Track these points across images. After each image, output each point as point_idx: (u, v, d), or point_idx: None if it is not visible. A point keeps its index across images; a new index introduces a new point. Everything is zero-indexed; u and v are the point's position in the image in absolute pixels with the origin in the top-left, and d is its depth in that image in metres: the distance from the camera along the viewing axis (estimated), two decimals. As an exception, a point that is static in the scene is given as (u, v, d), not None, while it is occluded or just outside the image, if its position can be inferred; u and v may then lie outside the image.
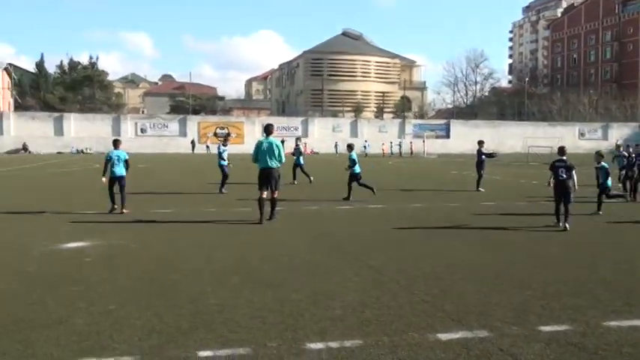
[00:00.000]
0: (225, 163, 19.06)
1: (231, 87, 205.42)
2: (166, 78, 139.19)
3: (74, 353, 4.68)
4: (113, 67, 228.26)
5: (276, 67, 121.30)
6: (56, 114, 70.15)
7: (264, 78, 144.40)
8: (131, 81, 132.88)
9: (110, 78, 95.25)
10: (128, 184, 13.93)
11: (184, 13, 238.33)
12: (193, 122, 72.05)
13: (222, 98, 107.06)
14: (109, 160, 13.86)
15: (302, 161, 23.13)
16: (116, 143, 14.37)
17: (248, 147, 61.95)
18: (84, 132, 67.01)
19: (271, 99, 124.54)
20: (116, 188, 13.68)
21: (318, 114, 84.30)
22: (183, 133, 70.88)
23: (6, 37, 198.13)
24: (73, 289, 6.65)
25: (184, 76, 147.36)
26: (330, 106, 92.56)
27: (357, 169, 16.67)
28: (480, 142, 20.66)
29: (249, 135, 68.66)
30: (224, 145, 19.81)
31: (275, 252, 8.87)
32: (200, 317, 5.59)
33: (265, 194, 11.86)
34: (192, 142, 68.11)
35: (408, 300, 6.21)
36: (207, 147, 66.24)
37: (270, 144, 11.74)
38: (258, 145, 11.78)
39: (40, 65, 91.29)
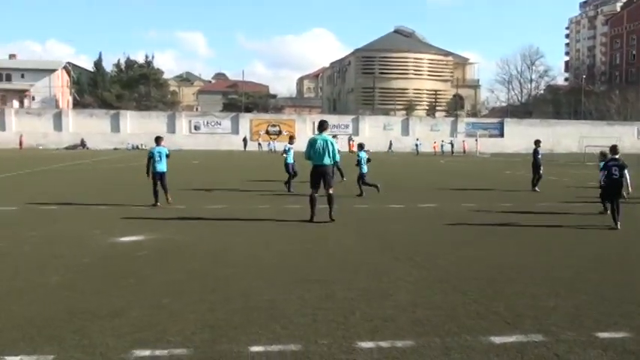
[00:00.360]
0: (291, 161, 18.39)
1: (283, 85, 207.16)
2: (220, 76, 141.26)
3: (129, 344, 4.77)
4: (168, 65, 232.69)
5: (327, 65, 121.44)
6: (113, 111, 72.13)
7: (315, 76, 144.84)
8: (186, 79, 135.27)
9: (165, 76, 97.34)
10: (182, 180, 14.17)
11: (238, 12, 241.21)
12: (245, 120, 72.88)
13: (274, 96, 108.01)
14: (151, 157, 14.24)
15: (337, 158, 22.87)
16: (158, 140, 14.73)
17: (299, 144, 62.55)
18: (139, 129, 68.63)
19: (322, 97, 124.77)
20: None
21: (369, 112, 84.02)
22: (235, 130, 71.76)
23: (66, 37, 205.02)
24: (128, 281, 6.80)
25: (237, 74, 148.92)
26: (382, 104, 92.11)
27: (365, 169, 17.12)
28: (537, 142, 20.16)
29: (300, 132, 68.82)
30: (290, 144, 19.07)
31: (326, 249, 8.86)
32: (252, 313, 5.63)
33: (316, 192, 11.67)
34: (245, 140, 68.88)
35: (460, 301, 6.10)
36: (259, 144, 66.91)
37: (325, 141, 11.49)
38: (312, 142, 11.57)
39: (98, 64, 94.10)
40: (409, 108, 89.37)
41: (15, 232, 10.22)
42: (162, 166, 14.15)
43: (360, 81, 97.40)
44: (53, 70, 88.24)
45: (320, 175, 11.48)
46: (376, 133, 73.32)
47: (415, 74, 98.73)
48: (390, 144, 69.21)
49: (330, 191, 11.54)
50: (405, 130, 74.97)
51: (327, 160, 11.45)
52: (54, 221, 11.51)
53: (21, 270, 7.38)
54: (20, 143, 58.81)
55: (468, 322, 5.42)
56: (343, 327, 5.23)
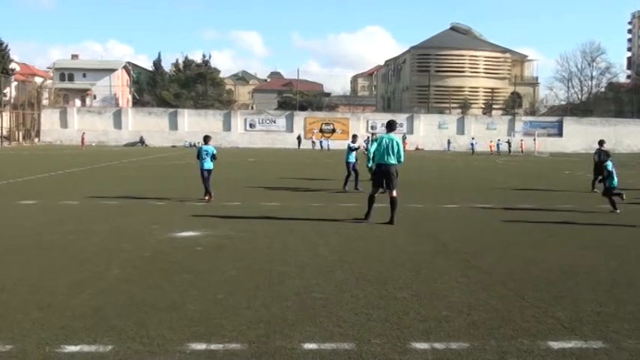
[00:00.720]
0: (353, 160, 17.97)
1: (337, 83, 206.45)
2: (275, 75, 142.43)
3: (185, 337, 4.88)
4: (225, 64, 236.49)
5: (382, 63, 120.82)
6: (171, 109, 73.74)
7: (369, 74, 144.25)
8: (241, 78, 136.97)
9: (222, 75, 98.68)
10: (237, 177, 14.37)
11: (293, 11, 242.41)
12: (300, 118, 73.31)
13: (328, 94, 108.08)
14: (199, 154, 14.89)
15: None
16: (206, 139, 15.32)
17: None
18: (196, 126, 69.86)
19: (376, 95, 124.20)
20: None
21: (424, 110, 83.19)
22: (289, 128, 72.27)
23: (126, 38, 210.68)
24: (186, 276, 6.95)
25: (292, 73, 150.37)
26: (437, 102, 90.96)
27: (352, 158, 17.77)
28: (601, 142, 19.50)
29: (354, 131, 68.80)
30: (353, 142, 18.73)
31: (379, 249, 8.84)
32: (305, 310, 5.67)
33: (376, 192, 11.49)
34: (299, 138, 69.29)
35: (517, 304, 5.98)
36: (313, 142, 67.17)
37: (391, 140, 11.22)
38: (379, 140, 11.35)
39: (157, 64, 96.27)
40: (465, 106, 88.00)
41: (82, 225, 10.60)
42: (208, 164, 14.68)
43: (415, 79, 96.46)
44: (114, 70, 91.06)
45: (383, 174, 11.20)
46: (431, 132, 72.60)
47: (471, 72, 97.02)
48: (449, 142, 68.43)
49: (394, 194, 11.19)
50: (461, 129, 73.89)
51: (391, 160, 11.16)
52: (116, 216, 11.87)
53: (86, 262, 7.66)
54: (82, 141, 60.87)
55: (525, 325, 5.31)
56: (397, 327, 5.21)
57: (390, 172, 11.16)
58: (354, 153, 18.13)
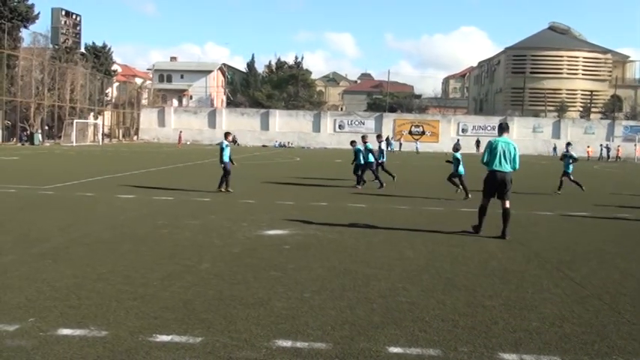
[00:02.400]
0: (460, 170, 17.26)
1: (429, 85, 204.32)
2: (365, 76, 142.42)
3: (272, 333, 4.96)
4: (317, 66, 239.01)
5: (475, 64, 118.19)
6: (263, 110, 75.40)
7: (462, 75, 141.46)
8: (332, 79, 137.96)
9: (313, 77, 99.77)
10: (324, 178, 14.47)
11: (386, 12, 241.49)
12: (389, 119, 72.97)
13: (418, 96, 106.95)
14: (222, 149, 16.65)
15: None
16: (226, 136, 17.68)
17: (442, 146, 61.37)
18: (287, 127, 71.13)
19: (468, 97, 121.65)
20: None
21: (518, 113, 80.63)
22: (378, 130, 71.83)
23: (222, 40, 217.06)
24: (273, 273, 7.07)
25: (383, 74, 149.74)
26: (532, 105, 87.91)
27: (461, 170, 17.16)
28: None
29: (444, 134, 67.95)
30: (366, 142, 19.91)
31: (468, 254, 8.63)
32: (391, 313, 5.62)
33: (488, 202, 10.49)
34: (387, 140, 68.81)
35: (612, 319, 5.66)
36: (400, 144, 66.57)
37: (508, 144, 10.27)
38: (492, 145, 10.34)
39: (250, 65, 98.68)
40: (561, 109, 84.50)
41: (174, 220, 11.02)
42: (225, 157, 16.51)
43: (510, 81, 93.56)
44: (209, 72, 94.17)
45: (499, 182, 10.21)
46: (525, 136, 70.20)
47: (569, 74, 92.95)
48: (554, 148, 65.28)
49: (507, 205, 10.27)
50: (556, 133, 71.06)
51: (507, 167, 10.21)
52: (206, 212, 12.25)
53: (178, 255, 7.95)
54: (179, 139, 63.36)
55: (621, 343, 5.02)
56: (485, 336, 5.06)
57: (506, 180, 10.21)
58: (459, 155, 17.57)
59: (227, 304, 5.77)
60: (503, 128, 10.72)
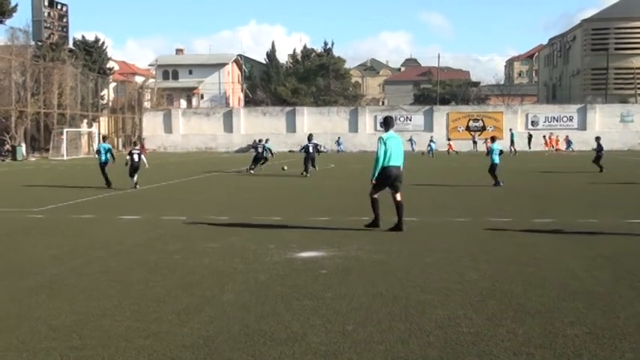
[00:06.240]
0: (497, 161, 23.17)
1: (489, 70, 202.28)
2: (410, 63, 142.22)
3: (310, 375, 5.06)
4: (350, 51, 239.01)
5: (545, 42, 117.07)
6: (288, 108, 75.74)
7: (529, 57, 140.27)
8: (370, 68, 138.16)
9: (347, 66, 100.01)
10: (363, 188, 14.58)
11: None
12: (441, 113, 72.59)
13: (476, 84, 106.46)
14: (98, 151, 24.03)
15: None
16: (104, 139, 28.01)
17: (509, 142, 60.62)
18: (317, 127, 70.76)
19: (538, 82, 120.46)
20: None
21: (601, 99, 79.50)
22: (429, 126, 71.60)
23: (248, 24, 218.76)
24: (308, 302, 7.18)
25: (432, 59, 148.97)
26: (617, 88, 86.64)
27: (496, 159, 23.17)
28: None
29: (509, 127, 67.08)
30: (492, 141, 24.24)
31: (542, 275, 8.60)
32: (451, 347, 5.67)
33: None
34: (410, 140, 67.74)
35: None
36: (475, 142, 65.38)
37: (397, 139, 12.55)
38: (385, 141, 12.30)
39: (271, 55, 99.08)
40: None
41: (188, 244, 11.24)
42: (104, 158, 23.36)
43: (589, 60, 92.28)
44: (223, 65, 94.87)
45: (392, 177, 12.36)
46: (611, 126, 68.89)
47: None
48: None
49: (399, 197, 12.53)
50: (651, 122, 69.76)
51: (399, 161, 12.45)
52: (226, 233, 12.43)
53: (195, 284, 8.13)
54: (142, 146, 63.92)
55: None
56: (566, 370, 5.08)
57: (400, 175, 12.53)
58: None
59: (255, 340, 5.89)
60: (389, 123, 12.83)
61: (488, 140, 25.74)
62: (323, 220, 14.04)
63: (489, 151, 23.35)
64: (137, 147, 24.25)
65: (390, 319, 6.54)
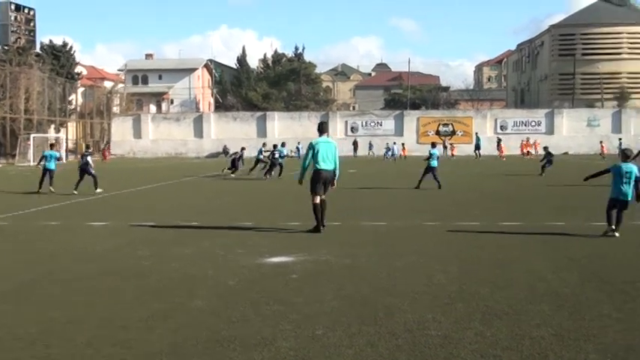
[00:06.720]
0: (435, 164, 23.72)
1: (458, 75, 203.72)
2: (381, 68, 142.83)
3: (279, 380, 5.06)
4: (321, 56, 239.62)
5: (513, 47, 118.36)
6: (259, 113, 75.59)
7: (498, 62, 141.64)
8: (341, 72, 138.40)
9: (318, 71, 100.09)
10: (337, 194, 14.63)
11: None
12: (411, 118, 72.92)
13: (446, 89, 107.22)
14: (44, 157, 23.82)
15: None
16: (52, 146, 26.13)
17: (472, 145, 61.00)
18: (288, 132, 70.82)
19: (507, 87, 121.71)
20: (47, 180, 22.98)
21: (568, 104, 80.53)
22: (399, 131, 71.89)
23: (215, 30, 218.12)
24: (278, 307, 7.17)
25: (401, 64, 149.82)
26: (584, 93, 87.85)
27: (434, 163, 23.87)
28: None
29: (478, 131, 67.56)
30: (433, 147, 24.06)
31: (509, 276, 8.70)
32: (419, 350, 5.70)
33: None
34: (355, 144, 68.12)
35: (689, 346, 5.74)
36: (445, 147, 65.28)
37: (328, 144, 13.08)
38: (314, 147, 12.92)
39: (241, 60, 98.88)
40: (621, 97, 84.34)
41: (158, 249, 11.16)
42: (50, 165, 23.28)
43: (556, 65, 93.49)
44: (193, 70, 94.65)
45: (322, 180, 12.91)
46: (578, 131, 69.95)
47: (630, 54, 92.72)
48: (620, 144, 64.46)
49: (324, 196, 13.08)
50: (617, 126, 70.76)
51: (330, 165, 12.98)
52: (195, 238, 12.38)
53: (164, 290, 8.09)
54: (104, 152, 63.58)
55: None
56: (533, 372, 5.15)
57: (329, 178, 13.04)
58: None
59: (224, 346, 5.88)
60: (323, 129, 13.50)
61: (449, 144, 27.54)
62: (294, 225, 14.04)
63: (429, 156, 23.98)
64: (89, 150, 25.19)
65: (360, 322, 6.56)
